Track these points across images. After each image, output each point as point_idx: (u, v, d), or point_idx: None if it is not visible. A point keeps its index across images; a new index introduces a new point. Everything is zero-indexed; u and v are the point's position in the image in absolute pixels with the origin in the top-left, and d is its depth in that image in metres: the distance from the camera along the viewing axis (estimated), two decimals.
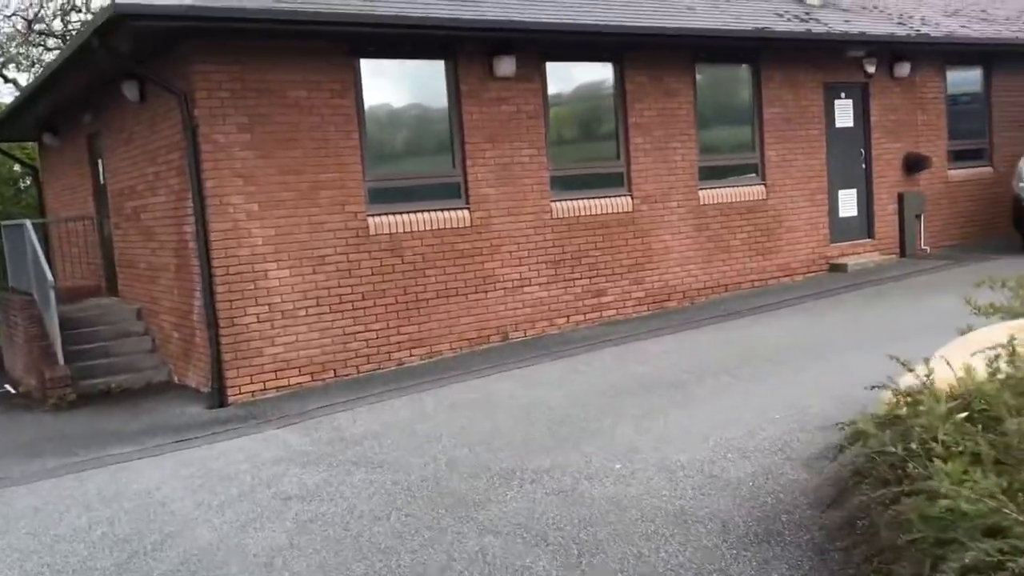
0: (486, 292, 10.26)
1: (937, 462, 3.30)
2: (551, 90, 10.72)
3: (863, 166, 13.68)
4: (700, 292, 11.93)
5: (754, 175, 12.54)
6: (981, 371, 4.08)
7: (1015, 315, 5.81)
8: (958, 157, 14.77)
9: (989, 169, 15.14)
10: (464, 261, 10.10)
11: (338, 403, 8.29)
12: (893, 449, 3.69)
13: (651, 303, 11.51)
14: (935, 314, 9.34)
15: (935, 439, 3.55)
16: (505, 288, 10.38)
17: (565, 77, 10.99)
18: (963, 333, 6.05)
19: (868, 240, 13.74)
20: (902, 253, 13.88)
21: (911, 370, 4.24)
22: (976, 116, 15.11)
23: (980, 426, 3.60)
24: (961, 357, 4.45)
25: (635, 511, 4.87)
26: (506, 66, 10.16)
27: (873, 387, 4.39)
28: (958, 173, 14.71)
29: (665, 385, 7.61)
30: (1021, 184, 12.95)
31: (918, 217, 14.02)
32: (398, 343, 9.74)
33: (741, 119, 12.59)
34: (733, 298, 11.85)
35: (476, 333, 10.20)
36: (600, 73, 11.24)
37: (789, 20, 12.79)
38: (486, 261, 10.24)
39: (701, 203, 11.91)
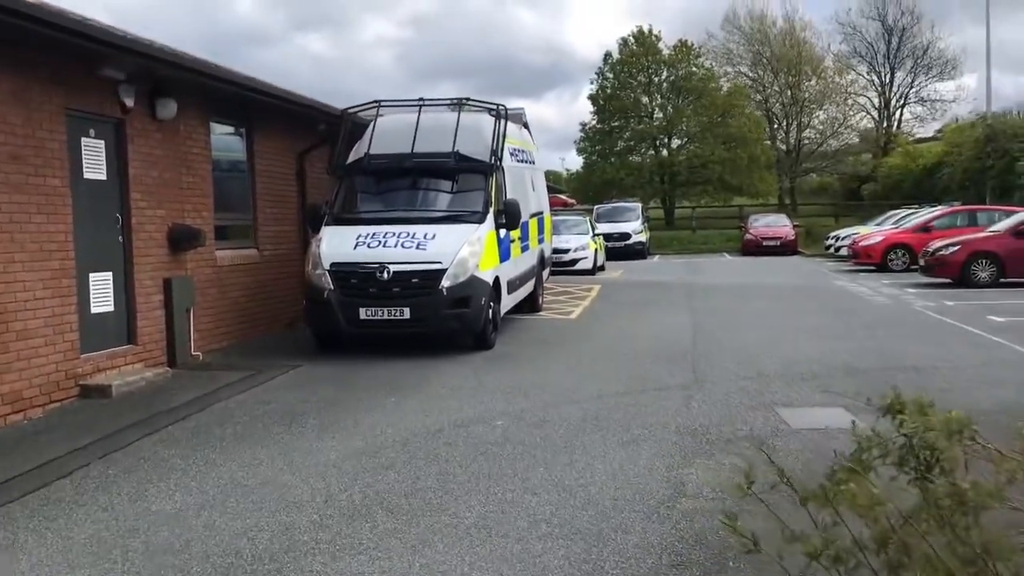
0: None
1: None
2: None
3: (120, 239, 9.42)
4: None
5: None
6: None
7: None
8: (223, 235, 11.57)
9: (255, 251, 12.32)
10: None
11: None
12: None
13: None
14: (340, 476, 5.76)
15: None
16: None
17: None
18: None
19: (129, 346, 9.45)
20: (171, 362, 9.96)
21: None
22: (240, 186, 12.20)
23: None
24: None
25: None
26: None
27: None
28: (226, 255, 11.46)
29: None
30: (320, 271, 10.36)
31: (188, 312, 10.33)
32: None
33: None
34: None
35: None
36: None
37: None
38: None
39: None
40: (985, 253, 17.50)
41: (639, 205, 35.98)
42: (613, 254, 29.76)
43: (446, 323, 10.23)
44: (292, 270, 12.76)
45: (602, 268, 25.51)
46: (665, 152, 49.14)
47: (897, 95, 57.45)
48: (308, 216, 11.87)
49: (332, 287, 10.26)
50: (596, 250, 24.28)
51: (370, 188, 11.60)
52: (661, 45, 48.55)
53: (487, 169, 11.26)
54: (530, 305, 14.20)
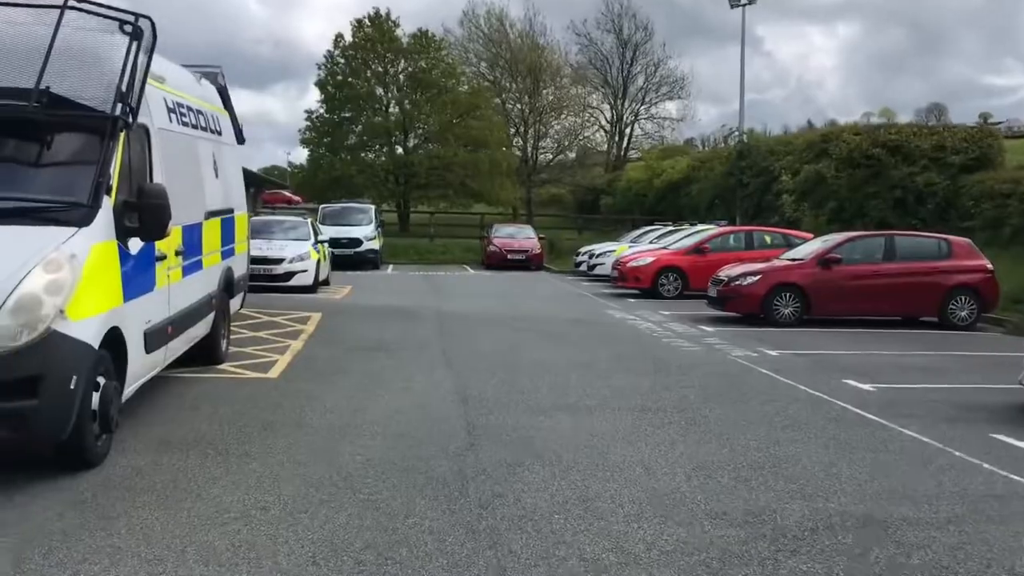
0: None
1: None
2: None
3: None
4: None
5: None
6: None
7: None
8: None
9: None
10: None
11: None
12: None
13: None
14: None
15: None
16: None
17: None
18: None
19: None
20: None
21: None
22: None
23: None
24: None
25: None
26: None
27: None
28: None
29: None
30: None
31: None
32: None
33: None
34: None
35: None
36: None
37: None
38: None
39: None
40: (788, 285, 14.63)
41: (373, 207, 31.29)
42: (341, 262, 24.89)
43: None
44: None
45: (326, 283, 20.52)
46: (401, 150, 44.65)
47: (629, 110, 57.26)
48: None
49: None
50: (319, 261, 19.22)
51: None
52: (399, 32, 44.09)
53: (106, 125, 6.03)
54: (207, 354, 9.10)
